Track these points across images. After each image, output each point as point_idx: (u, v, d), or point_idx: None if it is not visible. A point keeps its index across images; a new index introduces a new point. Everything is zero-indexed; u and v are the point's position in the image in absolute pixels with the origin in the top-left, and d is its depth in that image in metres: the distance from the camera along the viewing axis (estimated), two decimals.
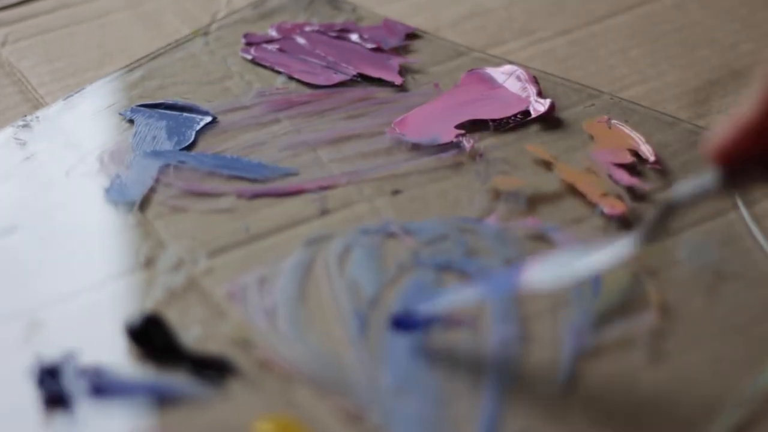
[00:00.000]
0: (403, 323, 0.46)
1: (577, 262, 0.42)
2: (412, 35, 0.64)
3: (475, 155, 0.55)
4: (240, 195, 0.53)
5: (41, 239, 0.50)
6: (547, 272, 0.43)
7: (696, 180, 0.38)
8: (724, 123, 0.36)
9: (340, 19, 0.65)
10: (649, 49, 0.63)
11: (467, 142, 0.56)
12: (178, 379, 0.43)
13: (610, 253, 0.41)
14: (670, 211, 0.39)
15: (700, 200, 0.38)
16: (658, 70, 0.61)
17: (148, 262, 0.49)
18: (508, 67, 0.60)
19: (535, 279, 0.42)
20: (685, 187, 0.38)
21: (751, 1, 0.66)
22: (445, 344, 0.45)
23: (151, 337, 0.45)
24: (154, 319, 0.45)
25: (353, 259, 0.49)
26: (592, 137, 0.56)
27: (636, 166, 0.54)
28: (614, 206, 0.52)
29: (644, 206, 0.52)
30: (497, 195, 0.52)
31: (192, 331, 0.46)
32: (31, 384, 0.43)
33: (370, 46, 0.63)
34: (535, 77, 0.59)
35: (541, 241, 0.50)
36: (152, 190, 0.53)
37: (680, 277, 0.48)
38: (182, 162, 0.54)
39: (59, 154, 0.55)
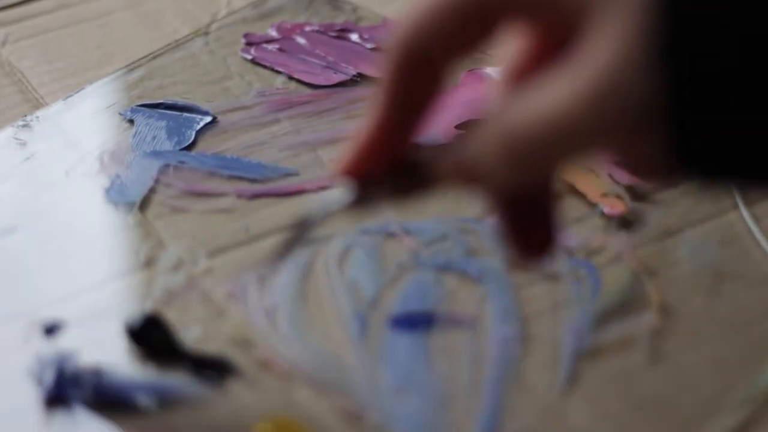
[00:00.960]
0: (404, 323, 0.46)
1: None
2: None
3: None
4: (240, 195, 0.53)
5: (41, 239, 0.50)
6: None
7: (329, 195, 0.38)
8: (350, 138, 0.36)
9: (340, 19, 0.65)
10: None
11: None
12: (178, 379, 0.43)
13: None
14: (304, 225, 0.39)
15: (333, 215, 0.38)
16: None
17: (148, 262, 0.49)
18: None
19: None
20: (318, 202, 0.38)
21: None
22: (445, 344, 0.45)
23: (150, 337, 0.45)
24: (154, 319, 0.45)
25: (353, 260, 0.49)
26: None
27: None
28: (614, 206, 0.52)
29: (644, 206, 0.52)
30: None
31: (192, 331, 0.46)
32: (31, 384, 0.43)
33: (370, 46, 0.63)
34: None
35: None
36: (152, 190, 0.53)
37: (680, 277, 0.48)
38: (182, 162, 0.54)
39: (59, 154, 0.55)
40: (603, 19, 0.29)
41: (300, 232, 0.39)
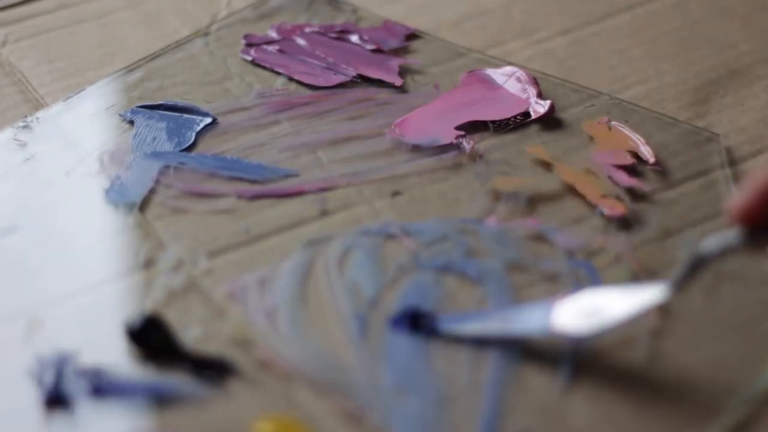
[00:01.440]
0: (408, 323, 0.46)
1: (607, 308, 0.43)
2: (412, 36, 0.64)
3: (475, 156, 0.55)
4: (240, 196, 0.53)
5: (41, 239, 0.50)
6: (577, 315, 0.44)
7: (723, 235, 0.41)
8: (745, 185, 0.39)
9: (340, 20, 0.65)
10: (649, 48, 0.63)
11: (467, 143, 0.56)
12: (178, 379, 0.43)
13: (640, 300, 0.43)
14: (699, 264, 0.42)
15: (727, 255, 0.41)
16: (658, 70, 0.61)
17: (148, 263, 0.49)
18: (508, 69, 0.60)
19: (566, 321, 0.44)
20: (713, 241, 0.41)
21: (750, 1, 0.66)
22: (445, 344, 0.45)
23: (150, 337, 0.45)
24: (154, 320, 0.45)
25: (353, 261, 0.49)
26: (592, 138, 0.56)
27: (636, 167, 0.54)
28: (614, 207, 0.52)
29: (644, 207, 0.52)
30: (497, 196, 0.53)
31: (192, 331, 0.46)
32: (31, 384, 0.43)
33: (370, 47, 0.63)
34: (535, 78, 0.59)
35: (541, 241, 0.50)
36: (152, 191, 0.53)
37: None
38: (182, 163, 0.54)
39: (59, 154, 0.55)
40: None
41: (693, 269, 0.42)
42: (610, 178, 0.53)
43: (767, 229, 0.40)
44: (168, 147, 0.55)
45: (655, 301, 0.43)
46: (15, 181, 0.53)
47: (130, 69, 0.61)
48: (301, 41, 0.63)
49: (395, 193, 0.53)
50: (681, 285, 0.42)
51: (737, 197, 0.40)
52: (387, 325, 0.46)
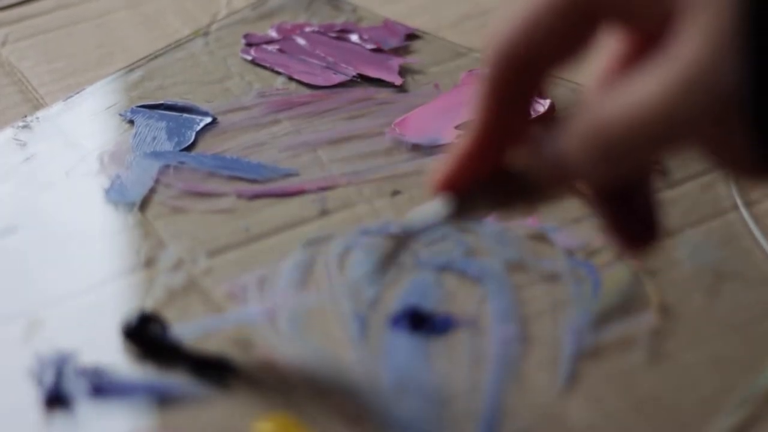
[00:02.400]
0: (406, 321, 0.46)
1: None
2: (412, 36, 0.64)
3: None
4: (240, 195, 0.53)
5: (41, 239, 0.50)
6: None
7: (427, 208, 0.38)
8: (446, 153, 0.37)
9: (340, 20, 0.65)
10: None
11: None
12: (178, 379, 0.43)
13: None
14: (403, 240, 0.39)
15: (432, 227, 0.38)
16: None
17: (148, 262, 0.49)
18: None
19: None
20: (416, 215, 0.38)
21: None
22: (445, 344, 0.45)
23: (149, 336, 0.45)
24: (152, 318, 0.45)
25: (353, 260, 0.49)
26: None
27: None
28: None
29: None
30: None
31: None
32: (31, 384, 0.43)
33: (370, 46, 0.63)
34: None
35: (541, 241, 0.50)
36: (152, 190, 0.53)
37: (680, 277, 0.48)
38: (182, 162, 0.54)
39: (59, 154, 0.55)
40: (693, 18, 0.31)
41: (399, 245, 0.39)
42: None
43: (470, 198, 0.37)
44: (168, 146, 0.55)
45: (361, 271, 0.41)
46: (15, 180, 0.54)
47: (130, 69, 0.61)
48: (301, 41, 0.63)
49: (395, 193, 0.53)
50: (384, 263, 0.40)
51: (439, 167, 0.37)
52: (387, 325, 0.46)
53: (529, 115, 0.35)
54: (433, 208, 0.37)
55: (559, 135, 0.34)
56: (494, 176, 0.36)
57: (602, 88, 0.35)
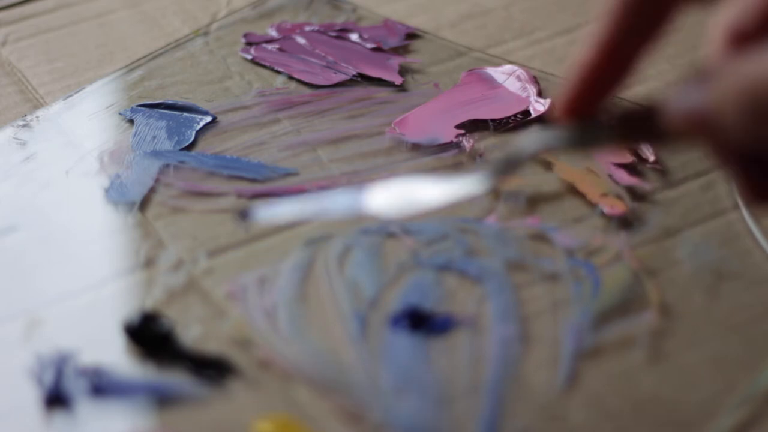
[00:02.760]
0: (406, 321, 0.46)
1: (423, 192, 0.41)
2: (412, 35, 0.64)
3: (475, 155, 0.55)
4: (240, 195, 0.53)
5: (41, 239, 0.50)
6: (391, 198, 0.42)
7: (545, 131, 0.37)
8: (570, 72, 0.36)
9: (340, 19, 0.65)
10: None
11: (467, 142, 0.56)
12: (178, 379, 0.43)
13: (457, 187, 0.40)
14: (519, 158, 0.38)
15: (548, 151, 0.38)
16: (658, 70, 0.61)
17: (148, 262, 0.49)
18: (507, 67, 0.60)
19: (378, 203, 0.42)
20: (534, 136, 0.37)
21: None
22: (445, 344, 0.45)
23: (149, 336, 0.45)
24: (153, 318, 0.45)
25: (353, 260, 0.49)
26: None
27: (636, 165, 0.54)
28: (614, 206, 0.52)
29: (644, 206, 0.52)
30: (497, 195, 0.52)
31: (192, 331, 0.46)
32: (31, 384, 0.43)
33: (370, 46, 0.63)
34: (535, 77, 0.59)
35: (541, 240, 0.50)
36: (152, 190, 0.53)
37: (680, 277, 0.48)
38: (182, 162, 0.54)
39: (59, 154, 0.55)
40: None
41: (512, 161, 0.38)
42: (610, 176, 0.53)
43: (591, 125, 0.36)
44: (168, 146, 0.55)
45: (470, 191, 0.40)
46: (15, 180, 0.53)
47: (130, 68, 0.61)
48: (301, 40, 0.63)
49: None
50: (498, 177, 0.39)
51: (561, 90, 0.36)
52: (387, 325, 0.46)
53: (651, 49, 0.34)
54: (553, 131, 0.36)
55: (705, 88, 0.33)
56: (619, 111, 0.35)
57: (738, 49, 0.34)
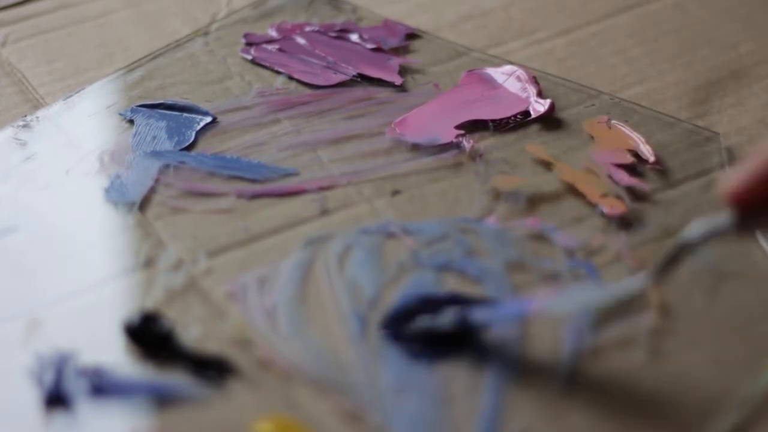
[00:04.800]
0: (397, 330, 0.46)
1: (588, 295, 0.44)
2: (412, 35, 0.64)
3: (475, 155, 0.55)
4: (240, 195, 0.53)
5: (41, 239, 0.50)
6: (558, 302, 0.44)
7: (710, 220, 0.39)
8: (740, 166, 0.37)
9: (340, 20, 0.65)
10: (649, 48, 0.63)
11: (467, 143, 0.56)
12: (178, 379, 0.43)
13: (621, 288, 0.43)
14: (684, 250, 0.40)
15: (713, 240, 0.39)
16: (658, 69, 0.61)
17: (148, 262, 0.49)
18: (508, 68, 0.60)
19: (546, 306, 0.44)
20: (699, 227, 0.39)
21: (751, 1, 0.66)
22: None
23: (149, 336, 0.45)
24: (153, 318, 0.45)
25: (353, 260, 0.49)
26: (592, 137, 0.56)
27: (636, 166, 0.54)
28: (614, 206, 0.52)
29: (644, 206, 0.52)
30: (497, 195, 0.53)
31: (192, 331, 0.46)
32: (31, 384, 0.43)
33: (370, 46, 0.63)
34: (535, 77, 0.59)
35: (541, 241, 0.50)
36: (152, 190, 0.53)
37: (680, 277, 0.48)
38: (182, 162, 0.54)
39: (59, 154, 0.55)
40: None
41: (677, 256, 0.40)
42: (610, 177, 0.53)
43: (759, 214, 0.38)
44: (168, 146, 0.55)
45: (636, 289, 0.42)
46: (15, 180, 0.53)
47: (130, 68, 0.61)
48: (301, 40, 0.63)
49: (395, 192, 0.53)
50: (664, 273, 0.41)
51: (732, 179, 0.38)
52: (381, 332, 0.46)
53: None
54: (718, 220, 0.38)
55: None
56: None
57: None
